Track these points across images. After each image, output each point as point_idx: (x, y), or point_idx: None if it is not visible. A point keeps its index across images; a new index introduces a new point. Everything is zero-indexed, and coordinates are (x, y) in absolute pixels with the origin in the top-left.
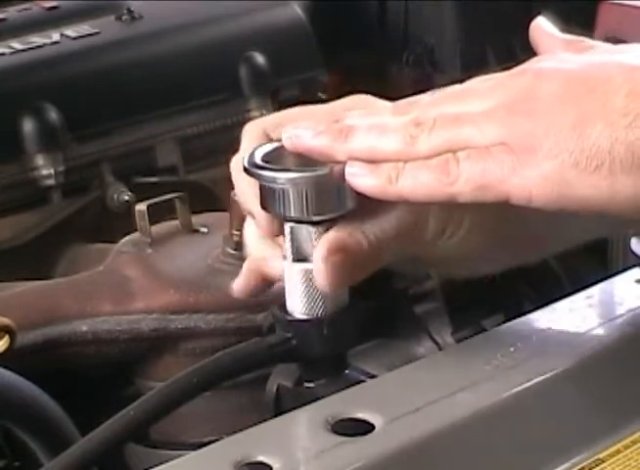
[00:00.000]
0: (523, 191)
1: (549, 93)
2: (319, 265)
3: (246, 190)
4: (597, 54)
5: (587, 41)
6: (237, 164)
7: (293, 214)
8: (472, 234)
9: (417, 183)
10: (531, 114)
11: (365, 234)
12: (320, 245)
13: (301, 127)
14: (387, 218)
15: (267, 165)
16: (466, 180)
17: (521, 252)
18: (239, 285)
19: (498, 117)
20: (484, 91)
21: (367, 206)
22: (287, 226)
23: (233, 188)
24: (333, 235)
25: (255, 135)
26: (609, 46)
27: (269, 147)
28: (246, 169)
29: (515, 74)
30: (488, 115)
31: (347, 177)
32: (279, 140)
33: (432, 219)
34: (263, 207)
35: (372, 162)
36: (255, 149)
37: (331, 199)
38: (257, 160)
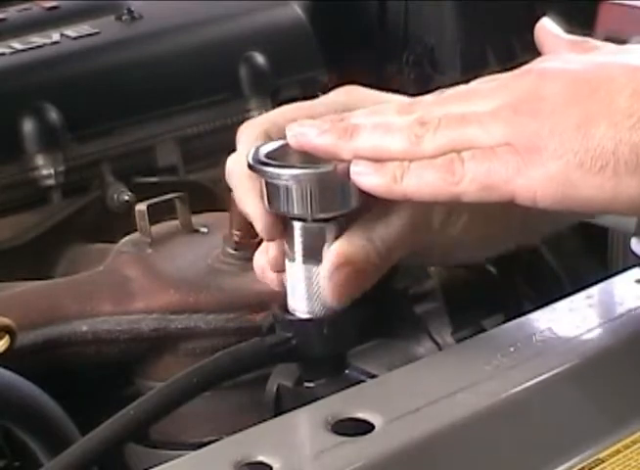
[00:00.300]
0: (528, 191)
1: (553, 93)
2: (325, 282)
3: (244, 192)
4: (601, 54)
5: (592, 42)
6: (234, 165)
7: (296, 212)
8: (475, 216)
9: (422, 182)
10: (536, 114)
11: (372, 242)
12: (326, 260)
13: (306, 125)
14: (393, 218)
15: (271, 162)
16: (471, 180)
17: (519, 233)
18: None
19: (503, 118)
20: (489, 91)
21: (371, 208)
22: (290, 224)
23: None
24: (339, 249)
25: (253, 137)
26: (613, 47)
27: (273, 144)
28: (250, 166)
29: (519, 75)
30: (493, 115)
31: (352, 176)
32: (283, 137)
33: (436, 207)
34: (268, 204)
35: (377, 160)
36: (260, 146)
37: (335, 197)
38: (261, 157)
